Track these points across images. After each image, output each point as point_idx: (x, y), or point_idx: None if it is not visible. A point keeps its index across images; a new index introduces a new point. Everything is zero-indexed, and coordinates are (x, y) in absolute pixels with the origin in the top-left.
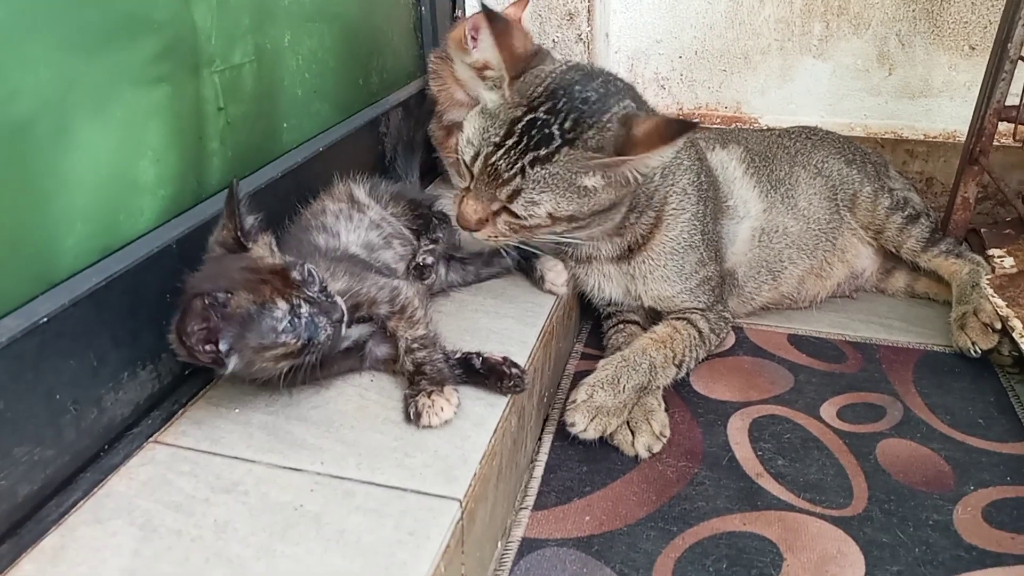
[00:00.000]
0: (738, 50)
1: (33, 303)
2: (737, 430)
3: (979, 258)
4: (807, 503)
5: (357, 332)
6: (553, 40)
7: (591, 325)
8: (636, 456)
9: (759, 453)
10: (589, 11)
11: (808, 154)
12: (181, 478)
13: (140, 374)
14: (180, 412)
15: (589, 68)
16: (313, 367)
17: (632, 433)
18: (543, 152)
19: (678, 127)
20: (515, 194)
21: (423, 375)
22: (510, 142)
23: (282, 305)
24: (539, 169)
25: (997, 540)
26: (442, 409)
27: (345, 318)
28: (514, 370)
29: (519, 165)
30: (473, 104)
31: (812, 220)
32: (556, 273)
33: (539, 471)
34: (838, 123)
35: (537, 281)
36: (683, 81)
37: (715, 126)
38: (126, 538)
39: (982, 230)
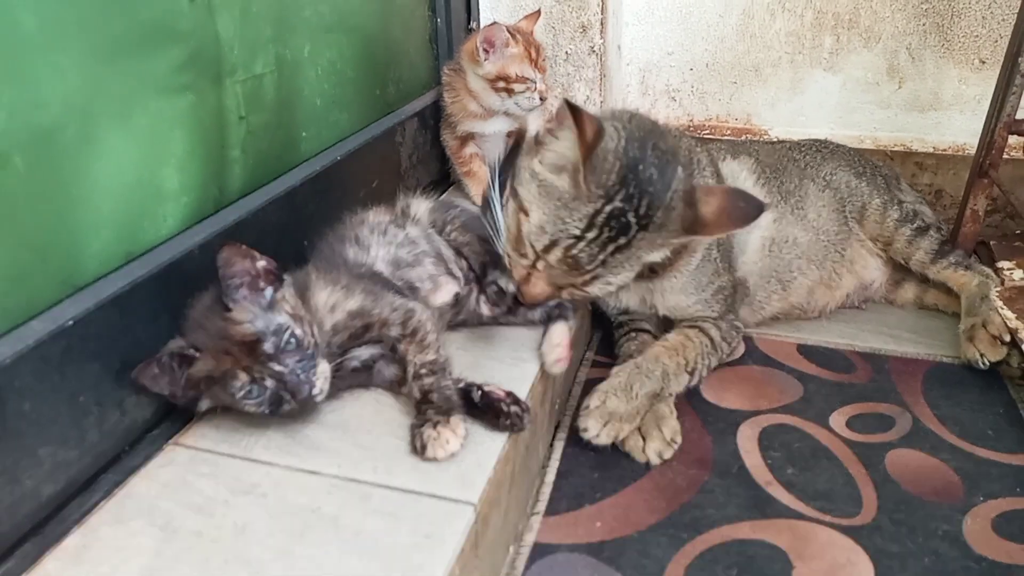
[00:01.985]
0: (749, 63)
1: (59, 306)
2: (747, 439)
3: (988, 270)
4: (817, 512)
5: (367, 353)
6: (566, 52)
7: (602, 334)
8: (647, 462)
9: (769, 462)
10: (602, 24)
11: (817, 166)
12: (201, 480)
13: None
14: (199, 415)
15: (639, 135)
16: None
17: (643, 439)
18: (623, 241)
19: (748, 211)
20: (594, 279)
21: (430, 404)
22: (591, 235)
23: (243, 377)
24: (618, 255)
25: (1007, 551)
26: (448, 442)
27: (316, 397)
28: (513, 408)
29: (601, 257)
30: (487, 115)
31: (821, 231)
32: (551, 347)
33: (551, 477)
34: (848, 136)
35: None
36: (694, 93)
37: (725, 138)
38: (147, 539)
39: (991, 243)
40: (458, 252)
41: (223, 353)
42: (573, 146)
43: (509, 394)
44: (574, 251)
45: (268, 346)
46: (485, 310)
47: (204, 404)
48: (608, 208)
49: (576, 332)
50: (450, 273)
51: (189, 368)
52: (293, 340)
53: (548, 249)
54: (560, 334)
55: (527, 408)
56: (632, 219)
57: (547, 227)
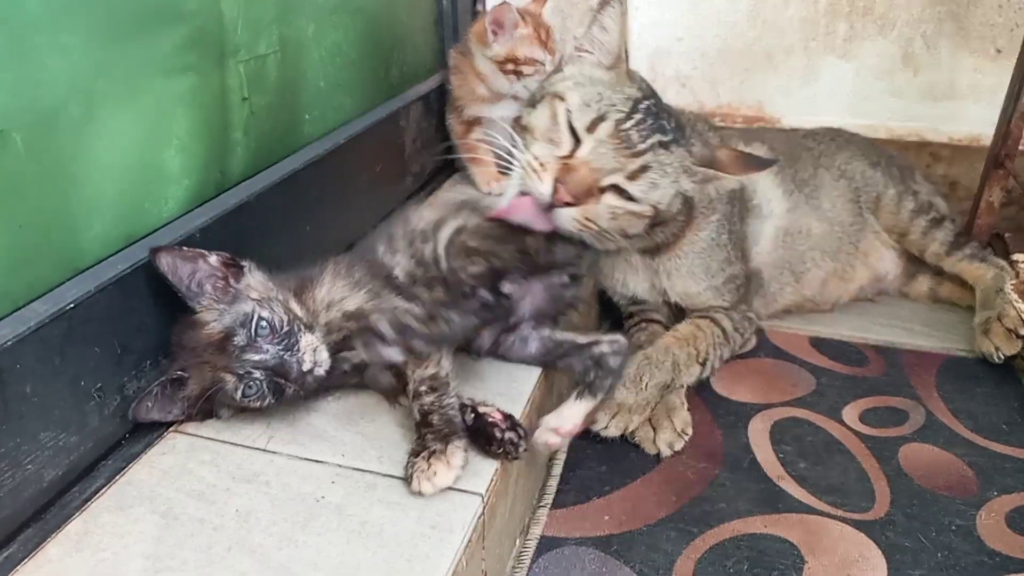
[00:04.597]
0: (761, 49)
1: (60, 289)
2: (758, 432)
3: (1003, 263)
4: (829, 506)
5: (359, 356)
6: (575, 36)
7: (610, 324)
8: (658, 454)
9: (780, 455)
10: None
11: (832, 156)
12: (202, 467)
13: (162, 363)
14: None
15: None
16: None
17: (654, 430)
18: (664, 138)
19: (761, 161)
20: (643, 170)
21: (429, 427)
22: (637, 116)
23: (229, 379)
24: (663, 153)
25: (1021, 546)
26: (436, 474)
27: (314, 371)
28: (508, 434)
29: (651, 140)
30: (495, 99)
31: (835, 222)
32: (547, 429)
33: (558, 470)
34: (861, 124)
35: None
36: (704, 80)
37: (737, 126)
38: (149, 525)
39: (1006, 235)
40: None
41: (201, 363)
42: (615, 31)
43: (507, 418)
44: (626, 125)
45: (239, 339)
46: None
47: (224, 413)
48: (647, 103)
49: (584, 323)
50: None
51: (184, 390)
52: (264, 324)
53: (595, 124)
54: (566, 419)
55: (524, 435)
56: (666, 124)
57: (591, 103)
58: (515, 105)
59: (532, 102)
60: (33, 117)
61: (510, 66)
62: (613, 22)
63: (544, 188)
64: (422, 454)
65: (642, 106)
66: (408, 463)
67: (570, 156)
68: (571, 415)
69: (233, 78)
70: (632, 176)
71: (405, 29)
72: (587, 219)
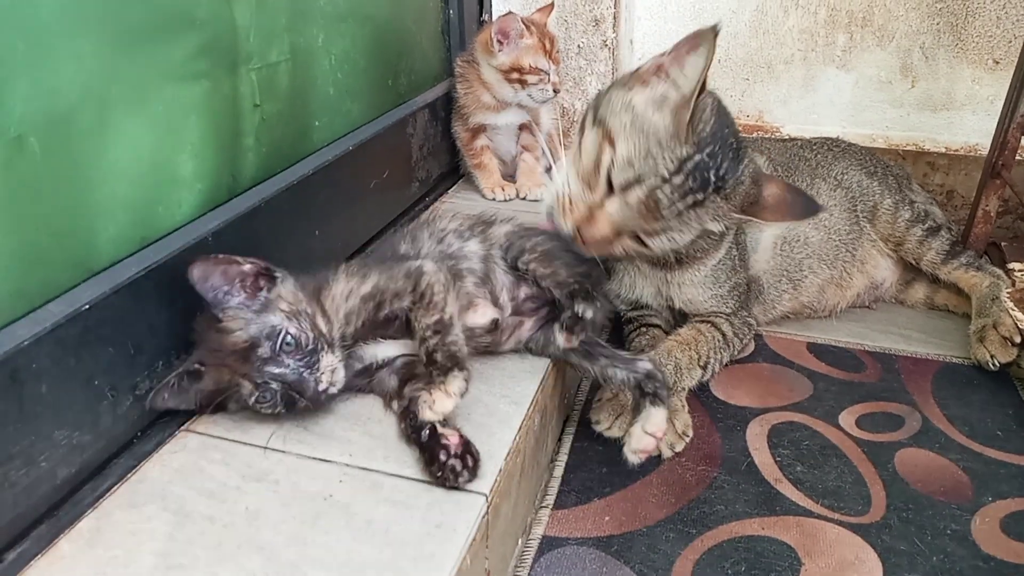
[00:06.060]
0: (761, 59)
1: (75, 290)
2: (756, 436)
3: (999, 271)
4: (825, 509)
5: (369, 352)
6: (578, 46)
7: (611, 327)
8: (659, 455)
9: (778, 459)
10: (615, 18)
11: (829, 166)
12: (213, 466)
13: (175, 363)
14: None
15: (724, 107)
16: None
17: None
18: (700, 196)
19: (807, 207)
20: (663, 230)
21: (433, 364)
22: (677, 180)
23: (247, 386)
24: (691, 212)
25: (1016, 551)
26: (435, 402)
27: (328, 391)
28: (451, 461)
29: (679, 207)
30: (500, 107)
31: (832, 231)
32: (642, 435)
33: (559, 471)
34: (860, 134)
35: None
36: None
37: None
38: (160, 523)
39: (1002, 244)
40: (536, 283)
41: (221, 366)
42: (692, 79)
43: (462, 444)
44: (659, 193)
45: (263, 350)
46: (561, 340)
47: (233, 407)
48: (697, 158)
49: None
50: (492, 299)
51: (199, 383)
52: (290, 339)
53: (629, 186)
54: (659, 424)
55: (471, 466)
56: (712, 176)
57: (635, 162)
58: (520, 113)
59: (595, 111)
60: (49, 122)
61: (515, 75)
62: (694, 70)
63: (566, 229)
64: (425, 390)
65: (688, 165)
66: (417, 398)
67: (599, 205)
68: (658, 421)
69: (245, 85)
70: (650, 234)
71: (412, 38)
72: (601, 254)
